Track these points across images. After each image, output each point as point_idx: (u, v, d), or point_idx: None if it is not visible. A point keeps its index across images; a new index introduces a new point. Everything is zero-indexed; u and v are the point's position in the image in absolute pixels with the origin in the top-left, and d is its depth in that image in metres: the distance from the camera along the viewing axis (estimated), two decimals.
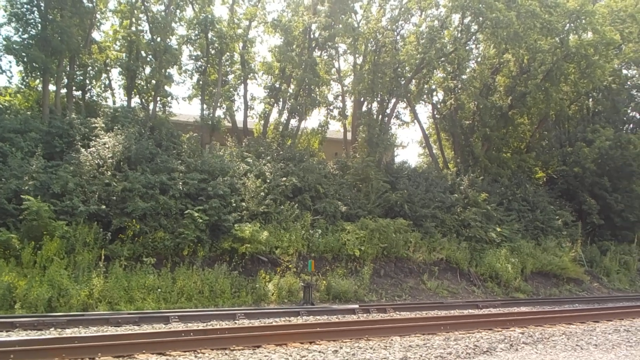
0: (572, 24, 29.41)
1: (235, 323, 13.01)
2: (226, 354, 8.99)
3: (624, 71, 35.47)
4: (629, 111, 37.75)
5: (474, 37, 30.41)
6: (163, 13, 24.74)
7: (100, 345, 8.62)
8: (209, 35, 25.59)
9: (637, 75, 36.63)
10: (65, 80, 22.80)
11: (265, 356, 8.81)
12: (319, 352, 9.41)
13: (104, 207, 17.79)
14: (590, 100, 36.27)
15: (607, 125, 33.02)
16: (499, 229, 26.47)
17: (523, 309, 18.62)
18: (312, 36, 27.72)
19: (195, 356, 8.71)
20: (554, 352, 10.54)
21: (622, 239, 32.29)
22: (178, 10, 25.46)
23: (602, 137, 31.13)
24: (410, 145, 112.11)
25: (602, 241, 31.51)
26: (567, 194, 32.71)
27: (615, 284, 28.61)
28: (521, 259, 25.36)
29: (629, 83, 36.06)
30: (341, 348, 9.80)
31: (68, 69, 22.72)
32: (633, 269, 30.70)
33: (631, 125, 37.65)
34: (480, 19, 27.36)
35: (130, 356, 8.47)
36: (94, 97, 25.05)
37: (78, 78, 23.81)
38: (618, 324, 14.94)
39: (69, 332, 10.96)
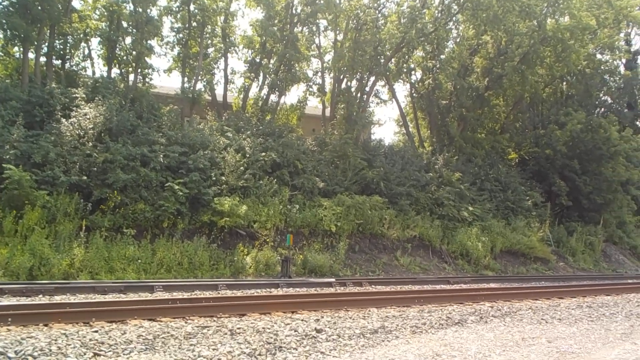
0: (550, 8, 29.92)
1: (219, 293, 13.39)
2: (214, 320, 9.38)
3: (598, 56, 36.14)
4: (601, 95, 38.60)
5: (454, 18, 30.72)
6: None
7: (93, 311, 8.95)
8: (191, 8, 25.47)
9: (610, 60, 37.40)
10: (45, 49, 22.61)
11: (251, 323, 9.22)
12: (302, 320, 9.86)
13: (85, 177, 17.87)
14: (564, 83, 36.95)
15: (579, 108, 33.75)
16: (471, 208, 27.09)
17: (492, 285, 19.38)
18: (294, 11, 27.74)
19: (186, 322, 9.07)
20: (521, 325, 11.16)
21: (589, 221, 33.18)
22: None
23: (574, 121, 31.76)
24: (387, 123, 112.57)
25: (570, 222, 32.40)
26: (538, 175, 33.42)
27: (580, 264, 29.61)
28: (491, 237, 26.07)
29: (602, 68, 36.74)
30: (322, 317, 10.26)
31: (48, 37, 22.50)
32: (598, 250, 31.73)
33: (602, 109, 38.50)
34: (461, 0, 27.68)
35: (122, 321, 8.78)
36: (74, 67, 24.83)
37: (58, 47, 23.57)
38: (581, 300, 15.68)
39: (58, 299, 11.23)
